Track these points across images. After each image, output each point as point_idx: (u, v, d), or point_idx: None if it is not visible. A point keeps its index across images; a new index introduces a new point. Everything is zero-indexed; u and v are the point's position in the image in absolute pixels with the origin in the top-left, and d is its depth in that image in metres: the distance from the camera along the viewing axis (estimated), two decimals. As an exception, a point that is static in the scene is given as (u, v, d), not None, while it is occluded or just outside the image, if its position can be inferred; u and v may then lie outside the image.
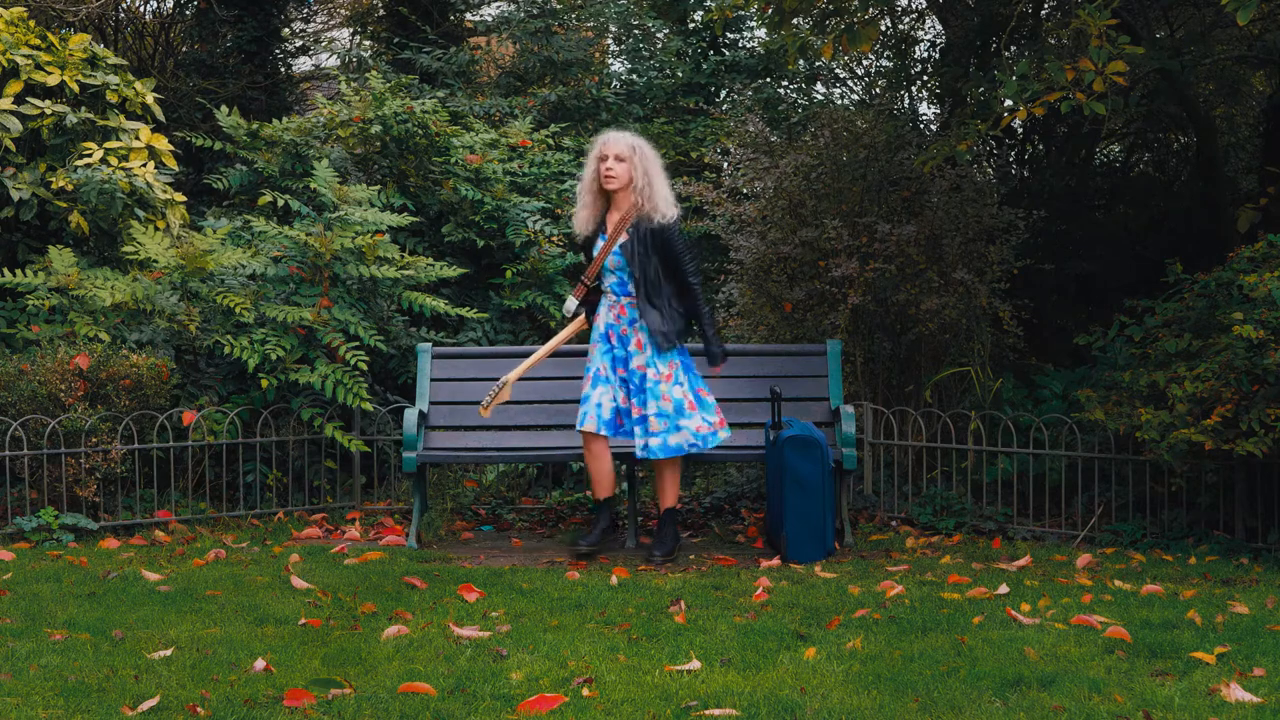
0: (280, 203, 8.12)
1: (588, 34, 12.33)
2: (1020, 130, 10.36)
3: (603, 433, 6.33)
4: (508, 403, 7.20)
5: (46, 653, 4.40)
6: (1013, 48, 9.12)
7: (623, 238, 6.28)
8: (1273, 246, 6.66)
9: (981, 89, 8.82)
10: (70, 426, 6.70)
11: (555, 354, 7.33)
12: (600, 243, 6.37)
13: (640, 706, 3.85)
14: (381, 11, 13.34)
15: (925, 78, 11.25)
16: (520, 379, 7.27)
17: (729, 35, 12.46)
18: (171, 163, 8.16)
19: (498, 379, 7.30)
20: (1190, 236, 9.45)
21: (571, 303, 6.47)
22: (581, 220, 6.45)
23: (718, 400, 7.20)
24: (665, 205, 6.27)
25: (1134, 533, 6.74)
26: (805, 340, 7.78)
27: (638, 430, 6.33)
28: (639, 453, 6.36)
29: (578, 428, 6.39)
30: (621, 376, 6.37)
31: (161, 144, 8.09)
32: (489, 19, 13.19)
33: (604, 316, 6.39)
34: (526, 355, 7.38)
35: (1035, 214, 8.16)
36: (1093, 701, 3.92)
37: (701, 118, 11.43)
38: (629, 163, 6.27)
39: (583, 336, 6.86)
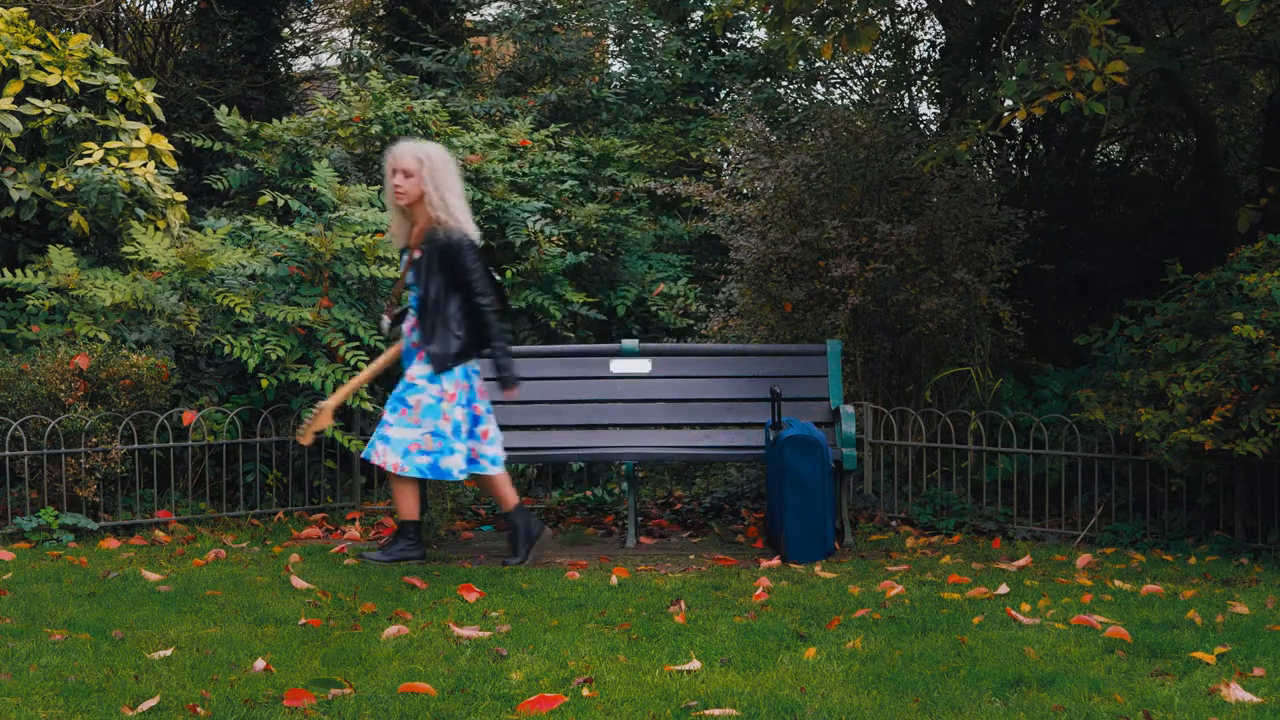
0: (280, 203, 8.11)
1: (588, 34, 12.32)
2: (1020, 130, 10.36)
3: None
4: (510, 402, 7.20)
5: (46, 653, 4.40)
6: (1013, 48, 9.12)
7: (418, 254, 6.05)
8: (1273, 246, 6.67)
9: (981, 89, 8.82)
10: (70, 426, 6.70)
11: (561, 354, 7.35)
12: (405, 258, 6.18)
13: (640, 706, 3.85)
14: (381, 11, 13.34)
15: (925, 78, 11.26)
16: (523, 379, 7.27)
17: (729, 35, 12.46)
18: (171, 163, 8.16)
19: (495, 379, 7.31)
20: (1190, 236, 9.46)
21: (385, 322, 6.29)
22: (391, 234, 6.26)
23: (719, 400, 7.21)
24: (455, 219, 6.00)
25: (1134, 533, 6.74)
26: (805, 340, 7.78)
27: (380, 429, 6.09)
28: (365, 451, 6.14)
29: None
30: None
31: (161, 144, 8.09)
32: (489, 19, 13.20)
33: (405, 332, 6.18)
34: (528, 355, 7.38)
35: (1035, 214, 8.17)
36: (1093, 701, 3.92)
37: (701, 118, 11.43)
38: (417, 176, 5.99)
39: None
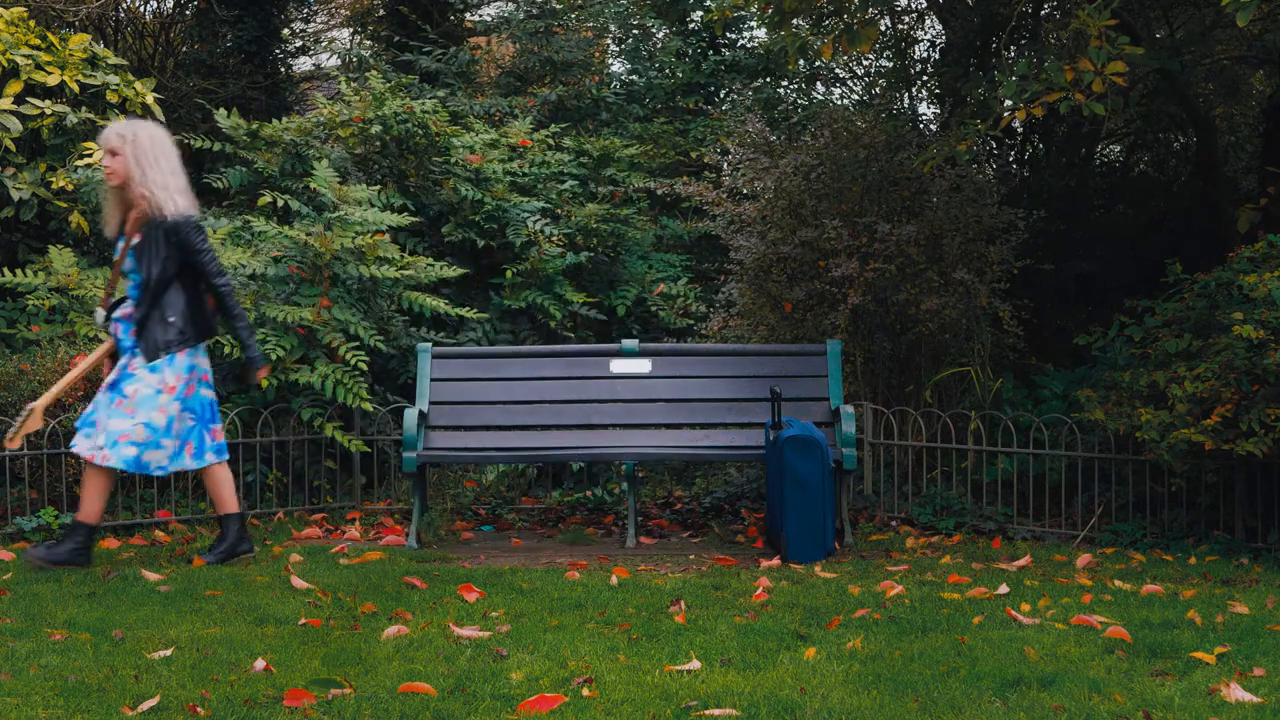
0: (280, 203, 8.11)
1: (588, 34, 12.33)
2: (1020, 130, 10.36)
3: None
4: (510, 403, 7.20)
5: (46, 653, 4.40)
6: (1012, 48, 9.12)
7: (137, 238, 5.84)
8: (1273, 246, 6.67)
9: (981, 89, 8.82)
10: (70, 426, 6.69)
11: (561, 354, 7.35)
12: (120, 245, 5.95)
13: (640, 706, 3.85)
14: (381, 11, 13.35)
15: (925, 78, 11.26)
16: (520, 379, 7.28)
17: (729, 35, 12.47)
18: (171, 163, 8.16)
19: (497, 379, 7.31)
20: (1190, 236, 9.45)
21: (99, 314, 6.01)
22: (104, 220, 6.05)
23: (719, 400, 7.20)
24: (165, 198, 5.77)
25: (1134, 533, 6.74)
26: (805, 340, 7.78)
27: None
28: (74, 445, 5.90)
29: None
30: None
31: (161, 144, 8.08)
32: (489, 19, 13.20)
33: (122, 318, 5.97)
34: (528, 355, 7.39)
35: (1035, 214, 8.16)
36: (1093, 701, 3.92)
37: (701, 118, 11.43)
38: (122, 156, 5.78)
39: None
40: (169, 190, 5.80)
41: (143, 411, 5.83)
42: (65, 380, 6.07)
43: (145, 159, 5.79)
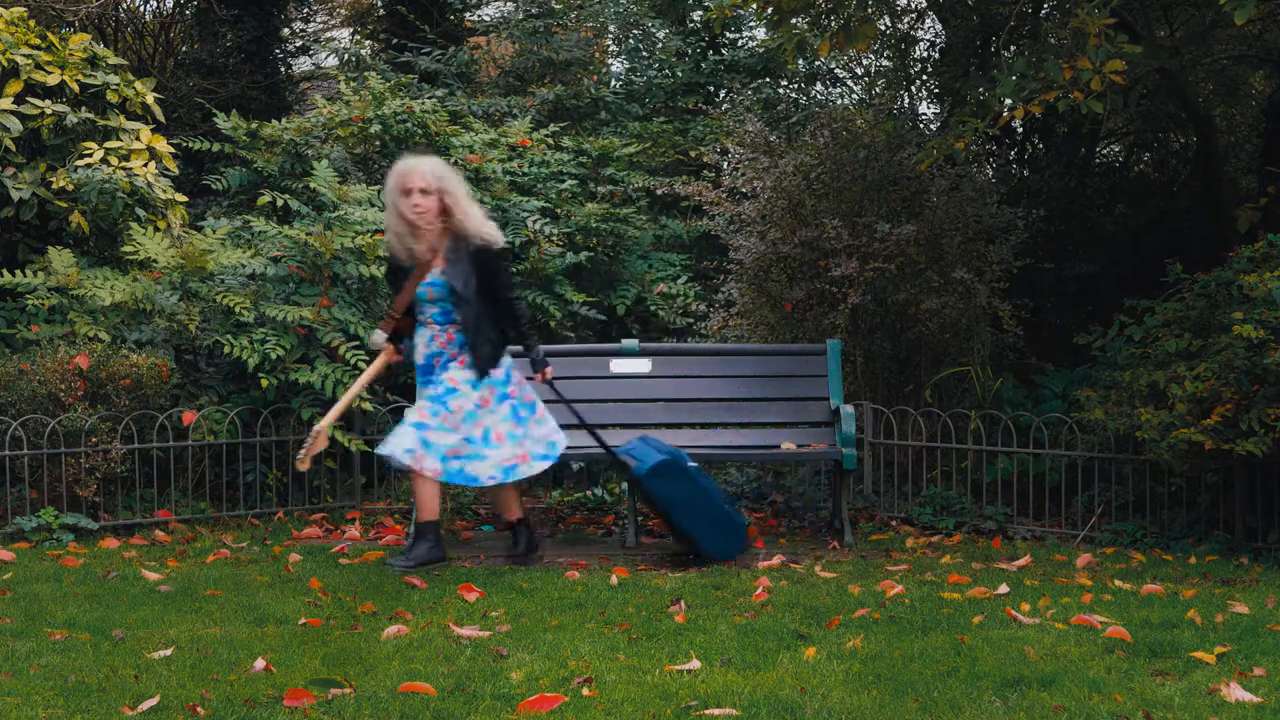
0: (280, 203, 8.11)
1: (587, 34, 12.34)
2: (1020, 130, 10.36)
3: None
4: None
5: (46, 653, 4.40)
6: (1012, 47, 9.13)
7: (442, 263, 5.97)
8: (1273, 246, 6.67)
9: (981, 88, 8.82)
10: (70, 426, 6.69)
11: (561, 354, 7.34)
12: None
13: (640, 706, 3.85)
14: (381, 11, 13.35)
15: (925, 77, 11.26)
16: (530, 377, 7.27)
17: (728, 35, 12.48)
18: (171, 165, 8.16)
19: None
20: (1190, 236, 9.46)
21: (379, 335, 6.10)
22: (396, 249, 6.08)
23: (719, 400, 7.19)
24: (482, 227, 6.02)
25: (1134, 532, 6.74)
26: (805, 340, 7.78)
27: None
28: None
29: None
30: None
31: (162, 146, 8.09)
32: (488, 19, 13.21)
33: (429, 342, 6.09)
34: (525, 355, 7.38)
35: (1035, 214, 8.16)
36: (1093, 701, 3.92)
37: (701, 117, 11.43)
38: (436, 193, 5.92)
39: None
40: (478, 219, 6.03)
41: (466, 426, 6.00)
42: (346, 399, 6.13)
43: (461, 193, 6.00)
